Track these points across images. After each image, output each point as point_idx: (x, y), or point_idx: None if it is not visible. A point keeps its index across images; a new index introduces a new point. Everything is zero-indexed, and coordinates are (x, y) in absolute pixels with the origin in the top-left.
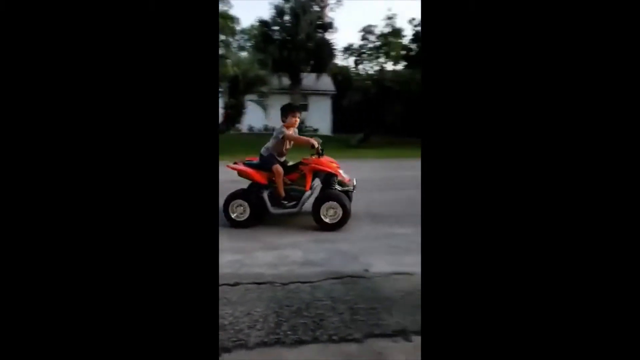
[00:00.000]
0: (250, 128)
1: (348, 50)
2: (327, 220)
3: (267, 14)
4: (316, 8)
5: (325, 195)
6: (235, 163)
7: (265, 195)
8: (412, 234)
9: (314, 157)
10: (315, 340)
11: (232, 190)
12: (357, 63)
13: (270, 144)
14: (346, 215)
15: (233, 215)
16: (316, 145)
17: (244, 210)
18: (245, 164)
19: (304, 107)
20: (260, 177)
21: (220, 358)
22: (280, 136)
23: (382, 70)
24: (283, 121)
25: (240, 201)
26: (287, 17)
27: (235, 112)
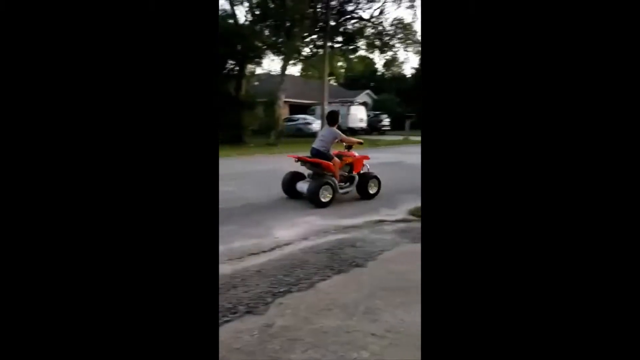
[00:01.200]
0: None
1: None
2: (371, 191)
3: None
4: None
5: (367, 175)
6: (297, 157)
7: (335, 180)
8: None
9: (346, 151)
10: None
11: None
12: None
13: (326, 142)
14: (380, 188)
15: (326, 200)
16: (363, 143)
17: (329, 194)
18: (309, 157)
19: None
20: (332, 168)
21: None
22: (339, 137)
23: None
24: (332, 125)
25: (326, 187)
26: None
27: None
